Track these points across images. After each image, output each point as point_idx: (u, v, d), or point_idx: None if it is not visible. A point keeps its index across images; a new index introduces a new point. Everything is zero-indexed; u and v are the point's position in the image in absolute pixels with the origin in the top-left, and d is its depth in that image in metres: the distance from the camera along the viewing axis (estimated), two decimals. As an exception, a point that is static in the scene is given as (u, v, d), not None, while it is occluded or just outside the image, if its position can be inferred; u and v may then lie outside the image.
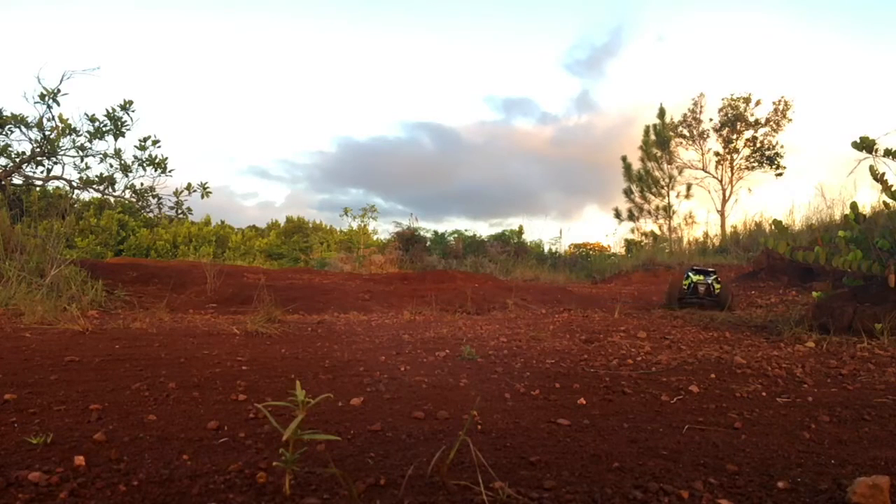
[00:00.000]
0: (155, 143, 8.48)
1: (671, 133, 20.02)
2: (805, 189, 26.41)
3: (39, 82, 7.79)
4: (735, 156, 19.92)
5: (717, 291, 7.47)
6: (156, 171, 8.58)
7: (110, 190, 8.53)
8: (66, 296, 5.68)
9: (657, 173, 20.08)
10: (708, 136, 20.22)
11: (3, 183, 8.08)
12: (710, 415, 2.36)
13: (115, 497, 1.41)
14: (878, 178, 4.83)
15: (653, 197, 20.03)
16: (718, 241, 17.05)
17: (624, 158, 20.61)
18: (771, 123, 19.60)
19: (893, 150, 4.78)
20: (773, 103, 19.60)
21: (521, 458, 1.76)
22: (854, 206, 5.02)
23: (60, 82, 7.90)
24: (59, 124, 7.97)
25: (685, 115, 20.48)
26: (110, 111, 8.19)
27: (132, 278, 8.03)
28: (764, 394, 2.75)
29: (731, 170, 19.96)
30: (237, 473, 1.57)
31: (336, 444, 1.83)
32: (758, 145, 19.70)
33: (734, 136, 19.88)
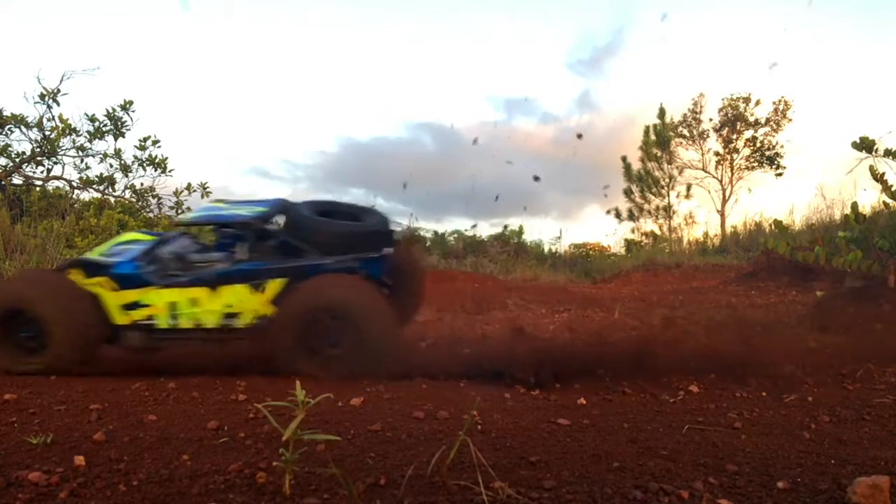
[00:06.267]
0: (155, 143, 8.48)
1: (671, 133, 19.98)
2: (805, 189, 26.24)
3: (39, 82, 7.80)
4: (735, 156, 19.88)
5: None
6: (156, 171, 8.57)
7: (110, 190, 8.52)
8: (66, 296, 5.66)
9: (657, 173, 20.04)
10: (708, 136, 20.19)
11: (3, 183, 8.07)
12: (710, 415, 2.36)
13: (115, 497, 1.41)
14: (878, 178, 4.83)
15: (653, 197, 19.99)
16: (718, 241, 17.02)
17: (624, 158, 20.56)
18: (771, 123, 19.56)
19: (893, 150, 4.78)
20: (773, 103, 19.56)
21: (521, 458, 1.76)
22: (854, 206, 5.01)
23: (60, 82, 7.90)
24: (59, 124, 7.96)
25: (685, 115, 20.45)
26: (110, 111, 8.18)
27: (132, 278, 8.00)
28: (764, 394, 2.74)
29: (731, 170, 19.92)
30: (237, 473, 1.57)
31: (336, 444, 1.83)
32: (758, 145, 19.67)
33: (734, 136, 19.85)
